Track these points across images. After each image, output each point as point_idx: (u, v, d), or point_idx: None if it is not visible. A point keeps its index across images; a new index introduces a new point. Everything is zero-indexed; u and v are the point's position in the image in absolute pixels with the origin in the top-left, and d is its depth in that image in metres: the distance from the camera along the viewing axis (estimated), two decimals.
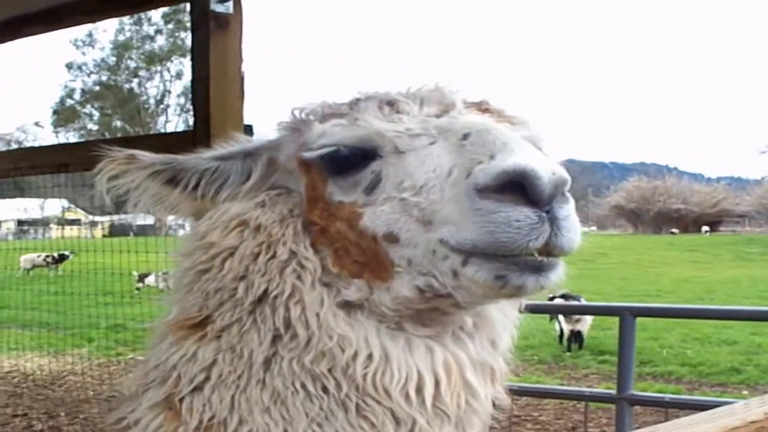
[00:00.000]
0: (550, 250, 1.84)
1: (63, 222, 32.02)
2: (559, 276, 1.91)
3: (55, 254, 33.57)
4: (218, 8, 5.76)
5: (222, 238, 2.15)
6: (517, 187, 1.79)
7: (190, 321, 2.17)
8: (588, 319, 20.08)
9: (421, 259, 1.96)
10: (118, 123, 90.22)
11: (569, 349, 19.92)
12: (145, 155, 2.31)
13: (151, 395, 2.20)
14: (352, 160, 2.09)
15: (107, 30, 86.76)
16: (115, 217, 39.12)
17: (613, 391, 7.34)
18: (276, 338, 2.07)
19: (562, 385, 15.51)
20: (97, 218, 39.64)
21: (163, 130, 76.57)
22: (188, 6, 6.00)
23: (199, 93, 5.91)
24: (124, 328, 19.83)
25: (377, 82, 2.27)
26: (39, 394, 13.59)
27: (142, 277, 28.58)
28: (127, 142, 7.19)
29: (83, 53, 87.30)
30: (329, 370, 2.02)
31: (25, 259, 33.00)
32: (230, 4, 5.80)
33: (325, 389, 2.03)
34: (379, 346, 2.03)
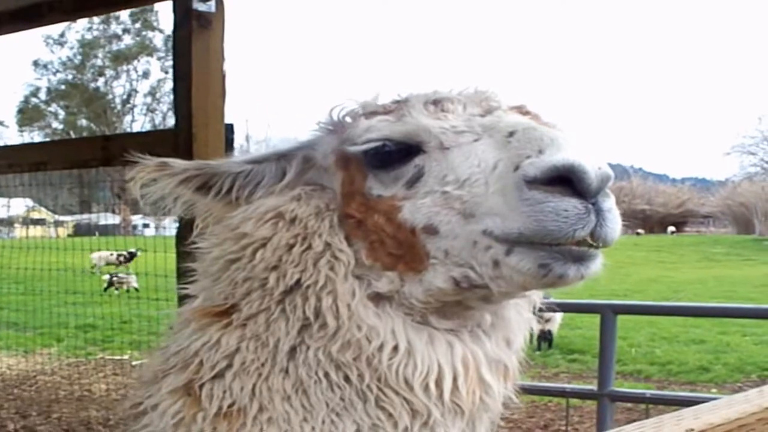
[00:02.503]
0: (593, 240, 1.91)
1: (27, 221, 31.56)
2: (598, 267, 1.98)
3: (125, 252, 33.68)
4: (200, 7, 5.77)
5: (255, 229, 2.18)
6: (565, 180, 1.86)
7: (216, 309, 2.21)
8: (557, 319, 20.16)
9: (460, 250, 2.01)
10: (84, 122, 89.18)
11: (539, 348, 20.02)
12: (177, 162, 2.34)
13: (171, 381, 2.22)
14: (396, 154, 2.14)
15: (79, 31, 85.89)
16: (80, 217, 38.76)
17: (594, 388, 7.44)
18: (304, 327, 2.10)
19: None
20: (62, 218, 39.19)
21: (129, 130, 76.06)
22: (156, 6, 6.01)
23: (181, 91, 5.92)
24: (94, 327, 19.66)
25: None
26: (10, 394, 13.43)
27: (112, 281, 28.29)
28: (108, 140, 7.16)
29: (52, 51, 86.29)
30: (354, 360, 2.06)
31: (98, 256, 33.52)
32: (212, 3, 5.82)
33: (347, 379, 2.08)
34: (404, 338, 2.08)
